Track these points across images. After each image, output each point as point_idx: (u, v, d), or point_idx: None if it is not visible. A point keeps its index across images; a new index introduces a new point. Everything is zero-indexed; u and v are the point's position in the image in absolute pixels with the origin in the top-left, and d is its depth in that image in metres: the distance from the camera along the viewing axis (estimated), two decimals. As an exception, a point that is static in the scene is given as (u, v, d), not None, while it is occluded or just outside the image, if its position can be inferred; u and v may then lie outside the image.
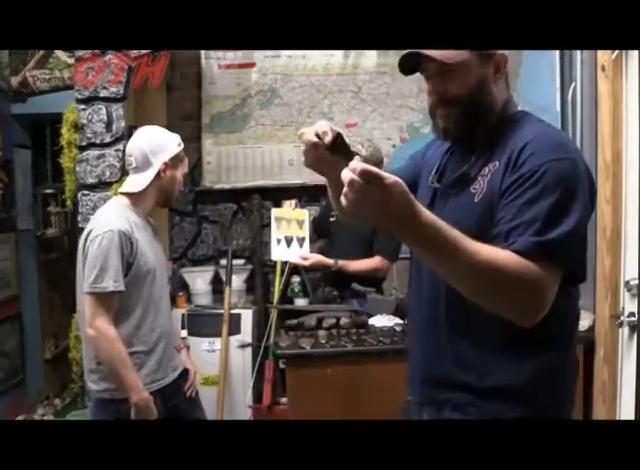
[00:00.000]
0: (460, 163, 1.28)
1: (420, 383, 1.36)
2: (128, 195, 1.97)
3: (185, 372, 2.11)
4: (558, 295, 1.13)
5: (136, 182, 1.94)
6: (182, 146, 2.02)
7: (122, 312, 1.89)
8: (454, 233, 1.03)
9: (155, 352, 1.96)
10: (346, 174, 0.95)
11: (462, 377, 1.24)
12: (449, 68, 1.22)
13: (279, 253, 2.84)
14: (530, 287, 1.08)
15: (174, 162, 1.98)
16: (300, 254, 2.78)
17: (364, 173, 0.93)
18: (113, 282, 1.81)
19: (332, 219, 3.00)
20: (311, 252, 2.85)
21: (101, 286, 1.80)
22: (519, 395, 1.21)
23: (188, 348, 2.28)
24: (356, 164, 0.95)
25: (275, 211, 2.87)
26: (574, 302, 1.27)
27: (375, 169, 0.94)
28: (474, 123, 1.25)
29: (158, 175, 1.94)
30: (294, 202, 2.90)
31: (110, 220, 1.88)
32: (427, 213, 1.00)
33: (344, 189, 0.95)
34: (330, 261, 2.75)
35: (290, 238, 2.82)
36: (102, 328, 1.80)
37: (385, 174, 0.95)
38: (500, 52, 1.24)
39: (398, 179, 0.96)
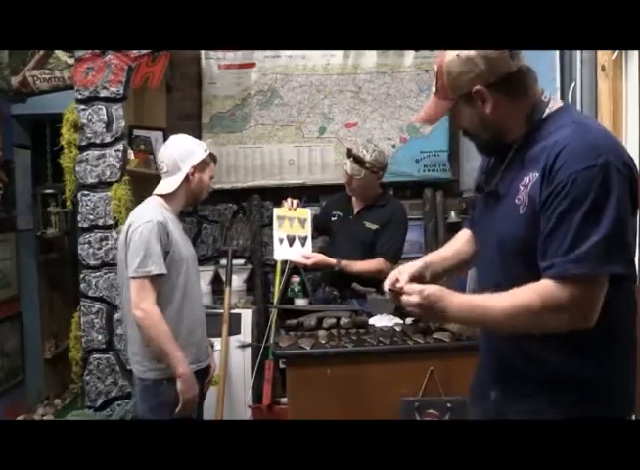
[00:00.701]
0: (495, 174, 1.40)
1: (496, 378, 1.44)
2: (162, 195, 2.18)
3: (208, 367, 2.27)
4: (612, 293, 1.22)
5: (168, 185, 2.16)
6: (208, 152, 2.22)
7: (165, 299, 2.06)
8: (482, 301, 1.29)
9: (193, 336, 2.15)
10: (406, 300, 1.35)
11: (533, 371, 1.33)
12: (451, 110, 1.38)
13: (281, 252, 2.83)
14: (574, 306, 1.19)
15: (201, 166, 2.19)
16: (303, 253, 2.78)
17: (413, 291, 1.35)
18: (156, 266, 2.00)
19: (333, 219, 2.99)
20: (312, 251, 2.85)
21: (145, 270, 1.99)
22: (591, 385, 1.28)
23: (212, 345, 2.46)
24: (410, 288, 1.36)
25: (277, 211, 2.85)
26: (631, 294, 1.33)
27: (421, 288, 1.33)
28: (487, 147, 1.43)
29: (186, 178, 2.16)
30: (295, 201, 2.88)
31: (148, 213, 2.09)
32: (456, 302, 1.30)
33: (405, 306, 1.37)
34: (332, 261, 2.75)
35: (292, 237, 2.81)
36: (148, 309, 1.98)
37: (422, 289, 1.32)
38: (476, 88, 1.30)
39: (434, 290, 1.31)
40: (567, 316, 1.21)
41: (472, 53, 1.30)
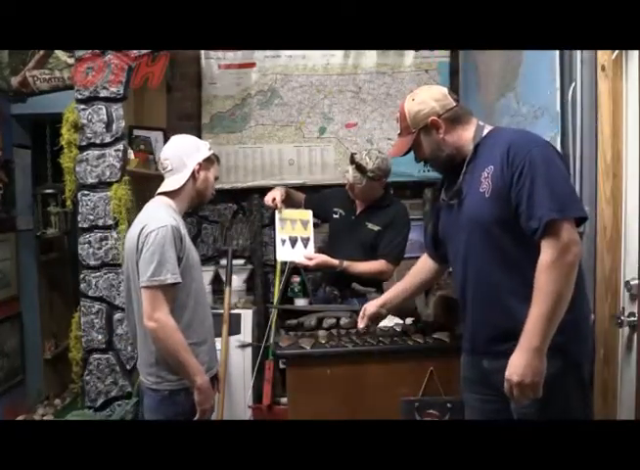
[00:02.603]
0: (456, 180, 1.75)
1: (481, 341, 1.74)
2: (168, 194, 2.08)
3: (217, 373, 2.20)
4: None
5: (174, 182, 2.07)
6: (212, 151, 2.17)
7: (180, 307, 1.97)
8: (532, 326, 1.50)
9: (206, 343, 2.07)
10: (522, 400, 1.55)
11: (517, 327, 1.55)
12: (414, 143, 1.79)
13: (284, 253, 2.83)
14: (572, 243, 1.50)
15: (206, 164, 2.12)
16: (305, 254, 2.77)
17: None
18: (171, 274, 1.88)
19: (335, 216, 2.98)
20: (315, 252, 2.84)
21: (159, 279, 1.87)
22: (568, 326, 1.55)
23: None
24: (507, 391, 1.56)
25: (279, 212, 2.85)
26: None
27: (506, 387, 1.56)
28: (445, 165, 1.80)
29: (192, 176, 2.08)
30: (278, 196, 2.85)
31: (162, 216, 1.97)
32: (535, 344, 1.50)
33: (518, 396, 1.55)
34: (335, 262, 2.74)
35: (294, 238, 2.81)
36: (162, 319, 1.87)
37: (508, 387, 1.55)
38: (431, 119, 1.73)
39: (511, 378, 1.54)
40: (573, 254, 1.49)
41: (424, 97, 1.77)
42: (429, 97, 1.76)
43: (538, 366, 1.50)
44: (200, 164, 2.09)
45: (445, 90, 1.80)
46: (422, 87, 1.89)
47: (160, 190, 2.11)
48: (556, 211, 1.50)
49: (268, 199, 2.87)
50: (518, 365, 1.52)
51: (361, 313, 2.18)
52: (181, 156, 2.08)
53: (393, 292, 2.15)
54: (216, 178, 2.20)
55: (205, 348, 2.05)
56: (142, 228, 1.95)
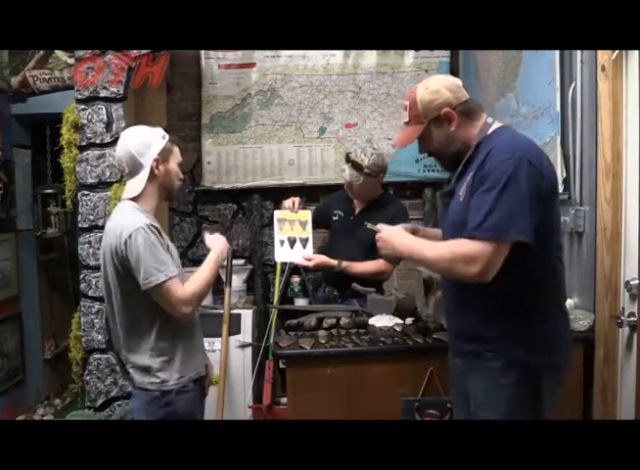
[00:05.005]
0: (450, 182, 1.74)
1: (452, 340, 1.80)
2: (132, 199, 1.95)
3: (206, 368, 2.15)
4: (529, 263, 1.55)
5: (134, 186, 1.95)
6: (167, 138, 1.99)
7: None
8: (421, 244, 1.67)
9: (197, 339, 2.05)
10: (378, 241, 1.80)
11: (479, 332, 1.61)
12: (422, 134, 1.71)
13: (283, 254, 2.83)
14: (473, 259, 1.50)
15: (164, 155, 1.96)
16: (304, 254, 2.77)
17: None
18: (174, 268, 1.86)
19: (334, 218, 2.99)
20: (313, 252, 2.84)
21: (166, 273, 1.82)
22: (521, 339, 1.58)
23: None
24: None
25: (278, 213, 2.85)
26: (543, 263, 1.61)
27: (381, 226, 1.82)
28: (451, 161, 1.73)
29: (152, 173, 1.93)
30: (297, 200, 2.85)
31: (135, 219, 1.87)
32: (407, 241, 1.73)
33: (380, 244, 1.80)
34: (333, 262, 2.74)
35: (293, 239, 2.80)
36: (187, 295, 1.87)
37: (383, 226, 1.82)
38: (445, 110, 1.64)
39: (391, 227, 1.82)
40: (470, 266, 1.50)
41: (438, 86, 1.66)
42: (443, 87, 1.66)
43: (396, 244, 1.73)
44: (157, 160, 1.93)
45: (459, 82, 1.70)
46: (435, 76, 1.79)
47: (124, 196, 1.98)
48: (481, 230, 1.50)
49: (289, 203, 2.85)
50: (393, 234, 1.77)
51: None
52: (134, 156, 1.92)
53: (423, 231, 2.04)
54: (180, 165, 2.03)
55: (196, 343, 2.03)
56: (120, 233, 1.84)
